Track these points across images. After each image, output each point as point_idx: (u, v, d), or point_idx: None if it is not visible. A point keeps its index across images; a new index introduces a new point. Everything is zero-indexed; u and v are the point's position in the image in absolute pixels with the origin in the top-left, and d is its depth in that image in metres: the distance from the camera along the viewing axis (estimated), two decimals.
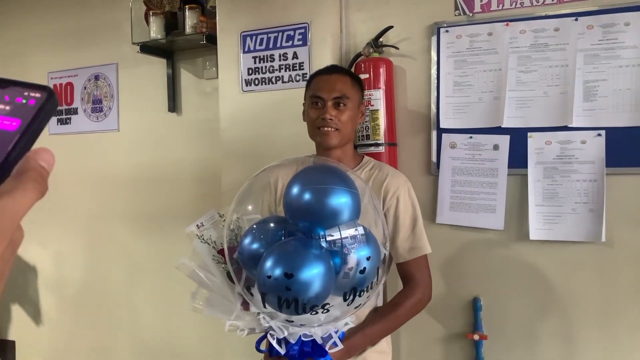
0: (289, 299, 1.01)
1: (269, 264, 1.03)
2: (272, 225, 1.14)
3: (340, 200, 1.06)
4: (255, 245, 1.10)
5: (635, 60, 1.73)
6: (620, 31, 1.75)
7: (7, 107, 0.35)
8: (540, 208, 1.82)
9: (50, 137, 2.85)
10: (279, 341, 1.18)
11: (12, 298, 3.09)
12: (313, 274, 1.01)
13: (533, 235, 1.82)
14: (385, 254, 1.14)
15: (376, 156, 1.91)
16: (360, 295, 1.08)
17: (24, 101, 0.35)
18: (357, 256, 1.05)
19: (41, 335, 3.00)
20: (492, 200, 1.88)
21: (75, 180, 2.86)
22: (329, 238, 1.05)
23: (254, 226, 1.16)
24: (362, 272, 1.05)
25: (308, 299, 1.01)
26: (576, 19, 1.80)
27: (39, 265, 3.00)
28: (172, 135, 2.63)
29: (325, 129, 1.45)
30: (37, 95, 0.36)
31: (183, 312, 2.50)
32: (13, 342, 3.07)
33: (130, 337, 2.77)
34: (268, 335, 1.17)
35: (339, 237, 1.05)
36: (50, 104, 0.36)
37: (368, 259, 1.05)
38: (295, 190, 1.09)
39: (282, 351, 1.18)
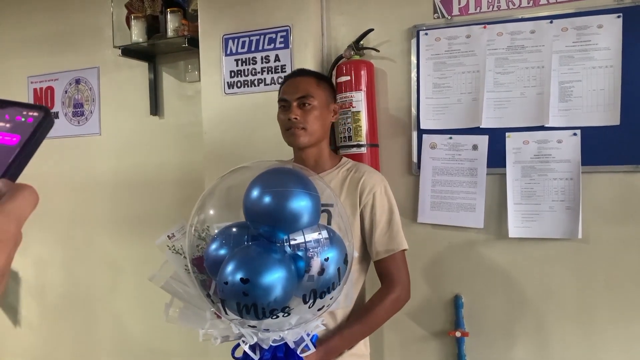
0: (248, 304, 1.00)
1: (228, 269, 1.02)
2: (235, 230, 1.13)
3: (299, 204, 1.06)
4: (219, 252, 1.09)
5: (608, 61, 1.78)
6: (593, 33, 1.79)
7: (8, 125, 0.39)
8: (519, 206, 1.86)
9: None
10: (252, 348, 1.18)
11: None
12: (272, 278, 1.00)
13: (512, 233, 1.86)
14: (347, 254, 1.13)
15: (358, 157, 1.94)
16: (321, 297, 1.07)
17: (23, 119, 0.39)
18: (317, 257, 1.05)
19: (22, 341, 2.96)
20: (472, 199, 1.92)
21: (57, 185, 2.83)
22: (292, 242, 1.05)
23: (216, 232, 1.15)
24: (320, 273, 1.05)
25: (267, 303, 1.00)
26: (551, 22, 1.84)
27: (19, 270, 2.97)
28: (154, 139, 2.62)
29: (292, 129, 1.48)
30: (35, 114, 0.40)
31: None
32: None
33: (113, 343, 2.75)
34: (241, 342, 1.17)
35: (303, 241, 1.05)
36: (47, 122, 0.40)
37: (326, 259, 1.05)
38: (253, 194, 1.08)
39: (256, 358, 1.18)
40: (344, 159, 1.60)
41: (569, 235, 1.80)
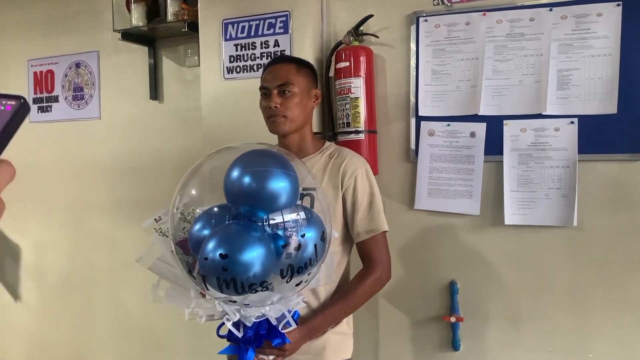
0: (227, 279, 1.04)
1: (209, 246, 1.06)
2: (217, 210, 1.16)
3: (278, 184, 1.09)
4: (201, 232, 1.13)
5: (606, 50, 1.78)
6: (592, 21, 1.79)
7: None
8: (515, 194, 1.88)
9: (31, 125, 2.83)
10: (236, 325, 1.21)
11: None
12: (251, 254, 1.04)
13: (508, 220, 1.88)
14: (325, 232, 1.17)
15: (356, 143, 1.95)
16: (299, 273, 1.11)
17: (2, 107, 0.44)
18: (295, 235, 1.09)
19: (22, 324, 3.00)
20: (468, 186, 1.93)
21: (57, 169, 2.85)
22: (271, 222, 1.09)
23: (198, 212, 1.18)
24: (297, 249, 1.09)
25: (246, 278, 1.04)
26: (550, 10, 1.84)
27: (19, 254, 2.99)
28: (153, 124, 2.63)
29: (273, 117, 1.50)
30: (12, 102, 0.44)
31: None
32: None
33: (112, 325, 2.78)
34: (224, 320, 1.20)
35: (281, 220, 1.09)
36: (23, 110, 0.45)
37: (303, 236, 1.09)
38: (233, 174, 1.11)
39: (240, 334, 1.21)
40: (327, 143, 1.62)
41: (565, 223, 1.82)
